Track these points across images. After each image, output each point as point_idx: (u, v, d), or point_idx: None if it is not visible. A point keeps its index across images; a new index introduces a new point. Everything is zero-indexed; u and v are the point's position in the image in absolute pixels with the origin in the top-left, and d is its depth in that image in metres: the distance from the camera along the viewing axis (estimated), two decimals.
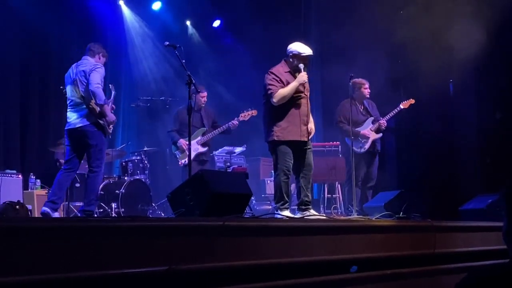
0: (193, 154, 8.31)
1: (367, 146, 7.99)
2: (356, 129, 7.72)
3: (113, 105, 7.06)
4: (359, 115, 8.12)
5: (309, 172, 6.32)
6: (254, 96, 10.72)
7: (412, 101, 8.32)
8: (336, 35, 9.90)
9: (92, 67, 6.42)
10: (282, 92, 6.16)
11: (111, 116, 6.56)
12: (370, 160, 8.15)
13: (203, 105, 8.70)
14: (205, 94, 8.66)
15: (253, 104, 10.41)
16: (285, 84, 6.22)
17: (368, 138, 8.02)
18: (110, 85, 7.57)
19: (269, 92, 6.17)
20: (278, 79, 6.22)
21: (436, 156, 9.38)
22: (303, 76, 6.24)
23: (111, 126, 6.65)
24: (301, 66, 6.30)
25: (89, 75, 6.38)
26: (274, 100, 6.15)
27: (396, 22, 8.95)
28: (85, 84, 6.42)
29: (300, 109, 6.26)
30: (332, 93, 9.37)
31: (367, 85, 8.17)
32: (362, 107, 8.28)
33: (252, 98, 10.78)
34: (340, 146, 8.94)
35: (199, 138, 8.52)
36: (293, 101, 6.23)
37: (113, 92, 7.46)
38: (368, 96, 8.23)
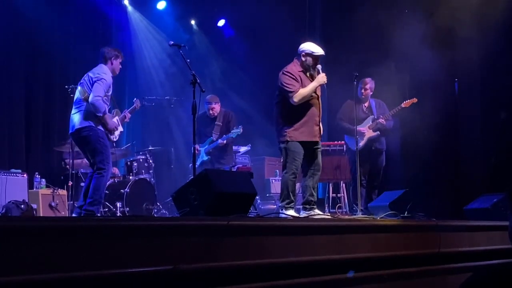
0: (199, 162, 8.36)
1: (361, 143, 7.90)
2: (354, 126, 7.66)
3: (128, 114, 7.14)
4: (360, 113, 8.05)
5: (318, 172, 6.36)
6: (260, 96, 10.77)
7: (415, 100, 8.23)
8: (341, 34, 9.89)
9: (97, 77, 6.43)
10: (303, 92, 6.19)
11: (111, 124, 6.57)
12: (373, 158, 8.10)
13: (216, 115, 8.70)
14: (211, 106, 8.65)
15: (257, 103, 10.44)
16: (300, 83, 6.25)
17: (363, 135, 7.97)
18: (135, 99, 7.83)
19: (289, 91, 6.17)
20: (295, 78, 6.24)
21: (441, 155, 9.36)
22: (323, 77, 6.28)
23: (115, 134, 6.69)
24: (319, 67, 6.35)
25: (92, 85, 6.41)
26: (295, 99, 6.17)
27: (402, 20, 8.93)
28: (89, 87, 6.45)
29: (313, 109, 6.30)
30: (337, 91, 9.36)
31: (366, 85, 8.11)
32: (366, 106, 8.24)
33: (258, 97, 10.82)
34: (344, 145, 8.90)
35: (206, 146, 8.59)
36: (306, 101, 6.26)
37: (134, 105, 7.67)
38: (363, 95, 8.15)
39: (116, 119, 6.83)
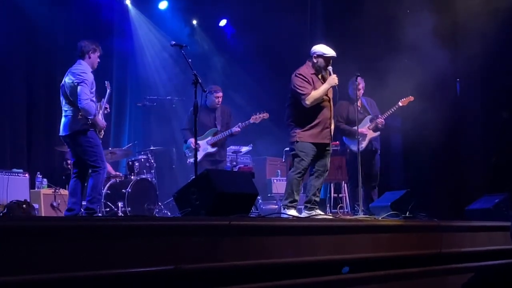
0: (202, 154, 8.31)
1: (363, 144, 7.89)
2: (354, 127, 7.64)
3: (106, 105, 7.02)
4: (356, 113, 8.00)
5: (324, 173, 6.39)
6: (263, 96, 10.76)
7: (411, 98, 8.20)
8: (343, 32, 9.88)
9: (78, 79, 6.34)
10: (315, 94, 6.21)
11: (101, 124, 6.56)
12: (370, 159, 8.07)
13: (218, 105, 8.66)
14: (219, 94, 8.62)
15: (260, 104, 10.41)
16: (312, 85, 6.26)
17: (365, 136, 7.96)
18: (106, 82, 7.40)
19: (302, 94, 6.19)
20: (307, 80, 6.26)
21: (442, 155, 9.35)
22: (334, 79, 6.28)
23: (102, 131, 6.65)
24: (330, 68, 6.34)
25: (77, 87, 6.34)
26: (307, 102, 6.19)
27: (403, 20, 8.92)
28: (69, 90, 6.39)
29: (324, 112, 6.31)
30: (338, 91, 9.36)
31: (359, 85, 8.03)
32: (360, 106, 8.20)
33: (260, 97, 10.80)
34: (339, 146, 8.87)
35: (209, 138, 8.46)
36: (318, 104, 6.28)
37: (108, 90, 7.31)
38: (357, 96, 8.07)
39: (100, 115, 6.76)
